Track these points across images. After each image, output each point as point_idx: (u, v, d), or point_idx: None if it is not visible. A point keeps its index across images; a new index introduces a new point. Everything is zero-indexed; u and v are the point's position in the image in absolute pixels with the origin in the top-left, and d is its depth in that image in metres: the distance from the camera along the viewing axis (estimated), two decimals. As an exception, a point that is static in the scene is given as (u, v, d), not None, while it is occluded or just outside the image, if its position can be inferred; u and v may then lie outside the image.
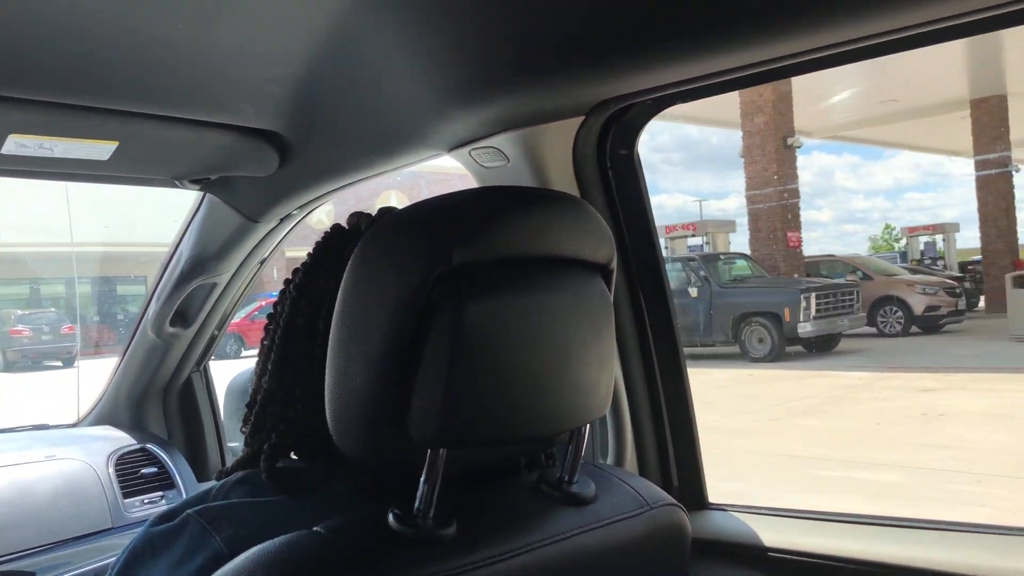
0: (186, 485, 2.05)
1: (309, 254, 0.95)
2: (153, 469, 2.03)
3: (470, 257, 0.78)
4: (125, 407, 2.19)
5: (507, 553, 0.82)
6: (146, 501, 1.96)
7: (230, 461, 2.16)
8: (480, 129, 1.27)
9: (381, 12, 1.13)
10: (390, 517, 0.81)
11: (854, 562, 1.19)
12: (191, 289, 1.91)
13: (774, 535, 1.29)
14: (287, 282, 0.95)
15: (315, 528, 0.80)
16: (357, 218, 0.96)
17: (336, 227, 0.96)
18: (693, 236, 19.29)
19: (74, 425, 2.30)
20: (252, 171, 1.58)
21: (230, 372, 2.19)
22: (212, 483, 0.98)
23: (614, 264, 0.94)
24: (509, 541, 0.84)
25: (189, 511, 0.90)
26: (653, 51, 1.07)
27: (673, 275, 15.07)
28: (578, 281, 0.88)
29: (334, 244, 0.93)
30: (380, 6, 1.12)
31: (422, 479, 0.80)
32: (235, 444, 2.27)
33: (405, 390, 0.79)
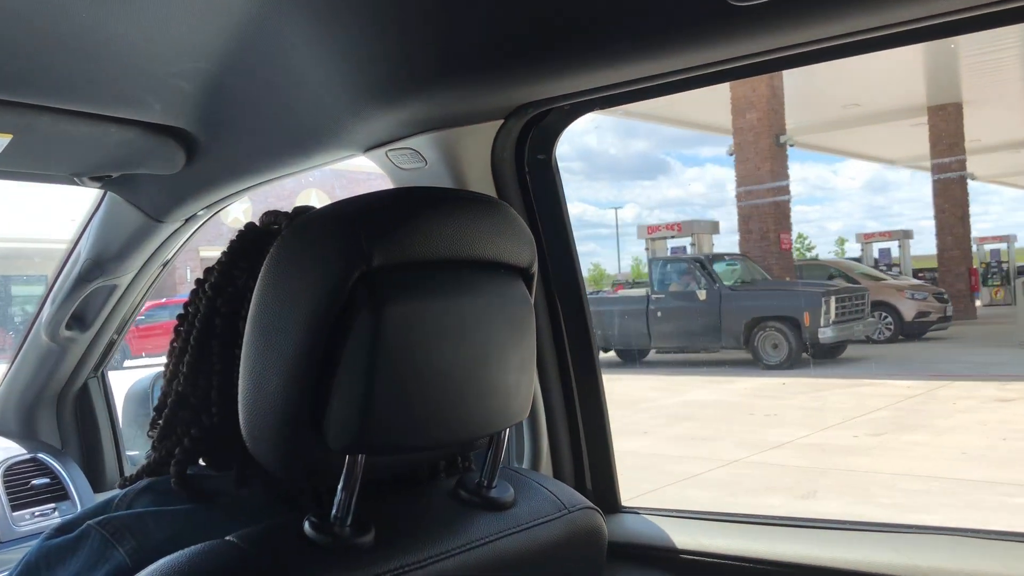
0: (81, 496, 1.95)
1: (224, 252, 0.91)
2: (45, 480, 1.93)
3: (390, 259, 0.77)
4: (14, 415, 2.07)
5: (426, 560, 0.81)
6: (37, 514, 1.86)
7: (130, 471, 2.09)
8: (397, 130, 1.26)
9: (296, 7, 1.11)
10: (306, 525, 0.79)
11: (763, 562, 1.22)
12: (89, 291, 1.82)
13: (685, 537, 1.31)
14: (199, 282, 0.92)
15: (227, 538, 0.77)
16: (273, 216, 0.93)
17: (251, 225, 0.93)
18: (674, 237, 18.46)
19: None
20: (157, 169, 1.52)
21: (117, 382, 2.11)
22: (114, 492, 0.94)
23: (535, 268, 0.94)
24: (428, 548, 0.83)
25: (89, 522, 0.86)
26: (572, 57, 1.08)
27: (674, 277, 14.57)
28: (499, 284, 0.88)
29: (250, 242, 0.91)
30: (288, 5, 1.09)
31: (339, 486, 0.78)
32: (135, 453, 2.18)
33: (322, 394, 0.77)
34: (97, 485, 2.05)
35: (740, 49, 1.01)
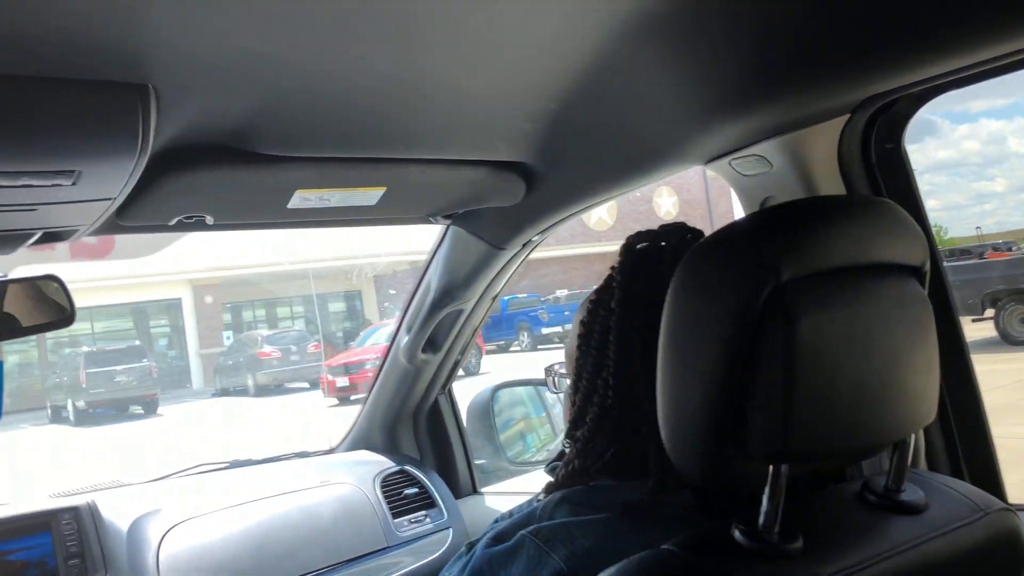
0: (446, 504, 2.15)
1: (618, 271, 0.98)
2: (415, 489, 2.15)
3: (798, 271, 0.78)
4: (380, 431, 2.33)
5: (855, 566, 0.81)
6: (413, 521, 2.08)
7: (479, 478, 2.26)
8: (742, 139, 1.27)
9: (640, 39, 1.15)
10: (736, 533, 0.82)
11: None
12: (440, 317, 2.01)
13: None
14: (598, 300, 0.99)
15: (664, 546, 0.82)
16: (655, 234, 0.99)
17: (637, 243, 0.99)
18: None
19: (331, 451, 2.47)
20: (499, 202, 1.64)
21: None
22: (533, 504, 1.03)
23: (927, 266, 0.91)
24: (854, 554, 0.83)
25: (523, 532, 0.95)
26: (920, 43, 1.04)
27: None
28: (897, 286, 0.86)
29: (640, 259, 0.97)
30: (639, 34, 1.14)
31: (765, 495, 0.81)
32: (481, 462, 2.36)
33: (741, 408, 0.80)
34: (454, 493, 2.25)
35: None
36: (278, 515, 1.91)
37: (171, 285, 22.36)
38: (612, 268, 1.01)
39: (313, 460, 2.38)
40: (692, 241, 0.99)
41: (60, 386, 18.72)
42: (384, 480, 2.13)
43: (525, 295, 20.95)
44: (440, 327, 2.06)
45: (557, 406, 2.55)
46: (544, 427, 2.60)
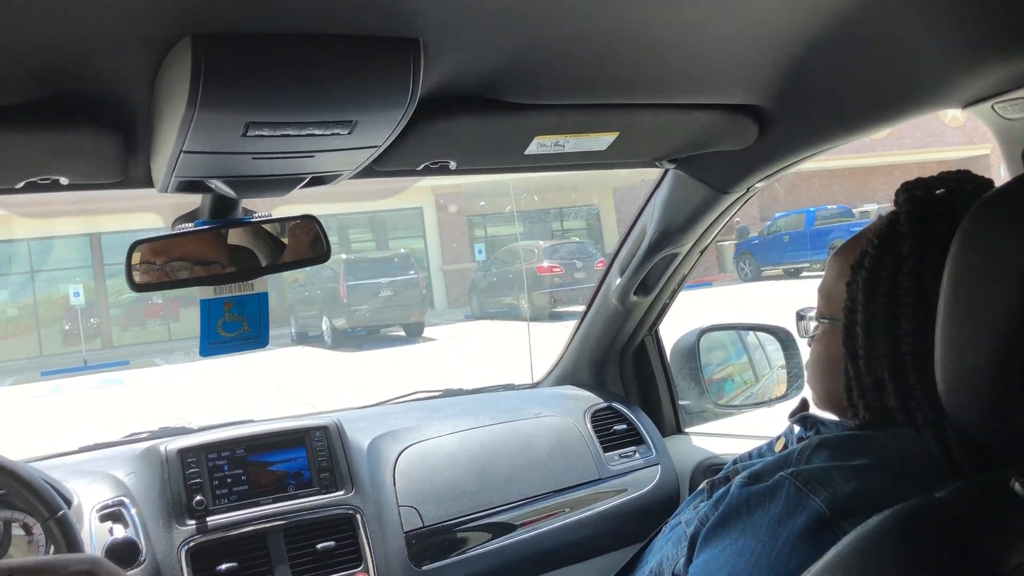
0: (653, 441, 2.21)
1: (905, 217, 0.98)
2: (623, 426, 2.21)
3: None
4: (587, 368, 2.40)
5: None
6: (622, 455, 2.15)
7: (684, 419, 2.28)
8: (1009, 81, 1.20)
9: None
10: (1016, 485, 0.81)
11: None
12: (656, 261, 2.04)
13: None
14: (882, 245, 1.00)
15: (938, 494, 0.83)
16: (943, 180, 0.97)
17: (920, 191, 0.98)
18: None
19: (535, 385, 2.57)
20: (728, 146, 1.63)
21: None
22: (790, 448, 1.05)
23: None
24: None
25: (782, 473, 0.98)
26: None
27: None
28: None
29: (926, 208, 0.97)
30: None
31: None
32: (686, 402, 2.40)
33: None
34: (660, 432, 2.30)
35: None
36: (498, 443, 2.03)
37: (412, 193, 19.78)
38: (894, 212, 1.00)
39: (521, 392, 2.50)
40: (978, 192, 0.96)
41: (310, 301, 16.19)
42: (594, 415, 2.21)
43: (834, 207, 18.53)
44: (653, 270, 2.09)
45: (757, 350, 2.53)
46: (745, 372, 2.59)
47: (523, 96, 1.34)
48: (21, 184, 1.33)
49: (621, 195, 21.91)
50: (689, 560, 1.05)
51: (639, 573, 1.28)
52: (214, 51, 0.96)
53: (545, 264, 15.78)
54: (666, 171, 1.91)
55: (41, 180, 1.32)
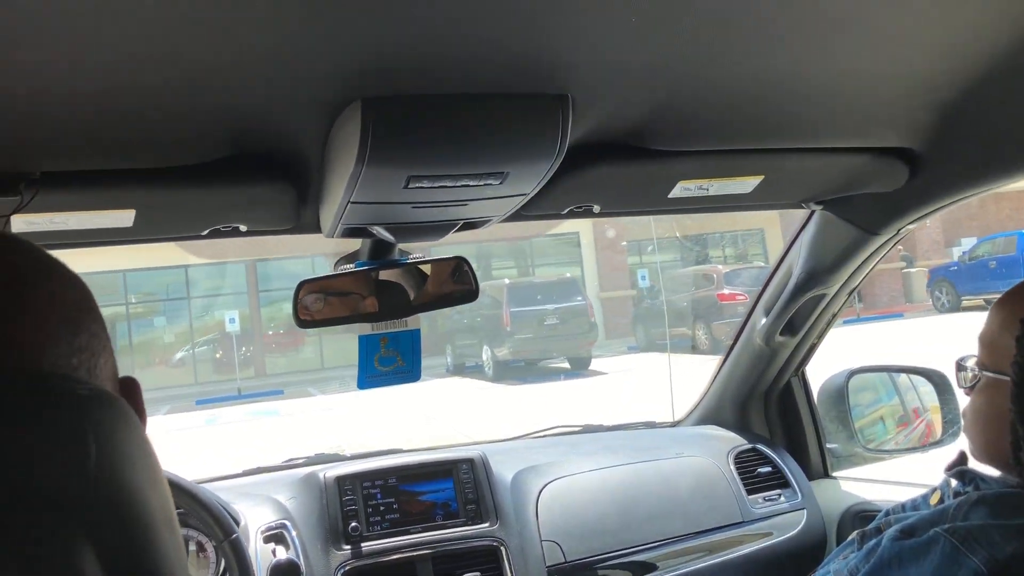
0: (799, 485, 2.16)
1: None
2: (768, 468, 2.18)
3: None
4: (730, 408, 2.38)
5: None
6: (767, 499, 2.11)
7: (831, 463, 2.23)
8: None
9: None
10: None
11: None
12: (803, 302, 2.01)
13: None
14: None
15: None
16: None
17: None
18: None
19: (676, 424, 2.56)
20: (877, 188, 1.61)
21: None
22: (946, 502, 1.03)
23: None
24: None
25: (937, 529, 0.96)
26: None
27: None
28: None
29: None
30: None
31: None
32: (834, 446, 2.33)
33: None
34: (806, 475, 2.24)
35: None
36: (639, 481, 2.04)
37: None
38: None
39: (662, 431, 2.50)
40: None
41: (468, 330, 15.13)
42: (737, 456, 2.19)
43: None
44: (800, 311, 2.06)
45: (909, 392, 2.44)
46: (896, 415, 2.50)
47: (668, 143, 1.37)
48: (206, 231, 1.46)
49: (789, 219, 21.09)
50: None
51: None
52: (381, 113, 1.04)
53: (726, 291, 14.31)
54: (812, 212, 1.89)
55: (224, 228, 1.45)
